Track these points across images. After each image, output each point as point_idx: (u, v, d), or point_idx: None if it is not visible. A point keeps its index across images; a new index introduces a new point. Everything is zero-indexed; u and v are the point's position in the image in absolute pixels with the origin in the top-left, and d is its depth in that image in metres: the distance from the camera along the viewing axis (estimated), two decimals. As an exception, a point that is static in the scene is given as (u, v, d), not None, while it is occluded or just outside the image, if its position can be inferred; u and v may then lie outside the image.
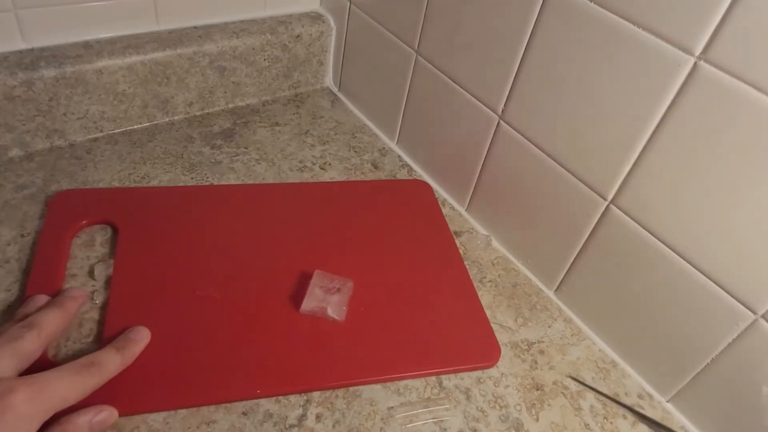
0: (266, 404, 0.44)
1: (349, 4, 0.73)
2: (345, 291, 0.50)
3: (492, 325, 0.53)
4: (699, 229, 0.43)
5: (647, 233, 0.47)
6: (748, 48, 0.37)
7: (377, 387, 0.47)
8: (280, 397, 0.45)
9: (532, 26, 0.50)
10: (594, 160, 0.49)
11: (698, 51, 0.39)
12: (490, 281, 0.58)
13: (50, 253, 0.50)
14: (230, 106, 0.74)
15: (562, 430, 0.46)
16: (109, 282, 0.49)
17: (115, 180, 0.60)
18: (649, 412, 0.49)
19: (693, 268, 0.45)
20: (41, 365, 0.42)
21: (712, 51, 0.39)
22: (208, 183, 0.62)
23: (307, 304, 0.49)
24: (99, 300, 0.48)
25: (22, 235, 0.52)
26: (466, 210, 0.66)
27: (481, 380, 0.49)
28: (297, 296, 0.51)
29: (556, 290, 0.58)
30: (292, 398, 0.45)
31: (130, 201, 0.56)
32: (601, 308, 0.54)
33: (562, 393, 0.49)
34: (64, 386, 0.37)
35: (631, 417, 0.49)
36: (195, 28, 0.69)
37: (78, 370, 0.38)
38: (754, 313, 0.42)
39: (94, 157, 0.62)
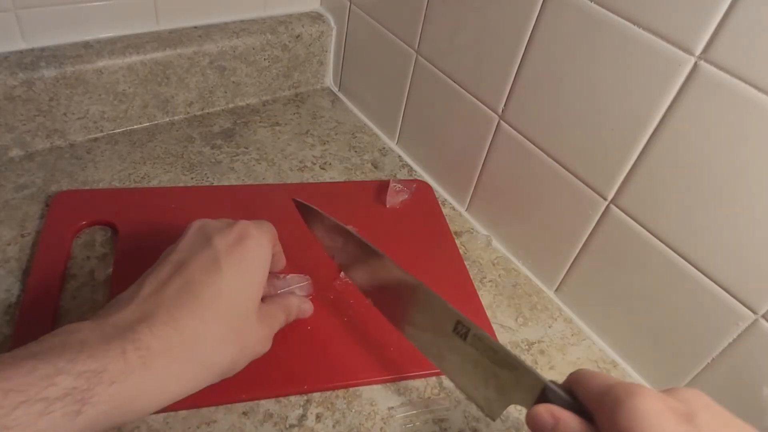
0: (266, 404, 0.44)
1: (349, 4, 0.73)
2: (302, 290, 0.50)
3: (492, 325, 0.53)
4: (699, 229, 0.43)
5: (647, 233, 0.47)
6: (748, 48, 0.37)
7: (377, 387, 0.47)
8: (281, 397, 0.45)
9: (532, 26, 0.50)
10: (594, 160, 0.49)
11: (698, 51, 0.39)
12: (490, 281, 0.58)
13: (50, 253, 0.50)
14: (230, 106, 0.74)
15: (562, 430, 0.46)
16: (109, 282, 0.49)
17: (115, 180, 0.60)
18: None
19: (693, 268, 0.45)
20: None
21: (712, 51, 0.39)
22: (208, 183, 0.62)
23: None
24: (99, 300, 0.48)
25: (23, 235, 0.52)
26: (466, 210, 0.66)
27: (481, 380, 0.49)
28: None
29: (556, 290, 0.58)
30: (293, 398, 0.45)
31: (130, 201, 0.56)
32: (601, 308, 0.54)
33: (563, 393, 0.49)
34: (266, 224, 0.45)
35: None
36: (195, 27, 0.69)
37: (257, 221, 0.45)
38: (754, 313, 0.42)
39: (95, 157, 0.62)
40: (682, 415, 0.27)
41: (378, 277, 0.44)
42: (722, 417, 0.28)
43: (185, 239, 0.42)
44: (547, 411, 0.31)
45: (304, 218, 0.50)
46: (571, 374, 0.33)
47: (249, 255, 0.40)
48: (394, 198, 0.63)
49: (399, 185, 0.63)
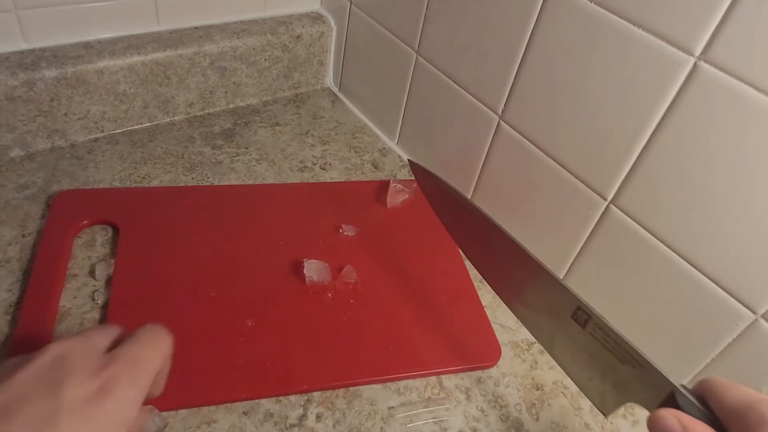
0: (267, 404, 0.44)
1: (349, 4, 0.73)
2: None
3: (492, 325, 0.53)
4: (699, 229, 0.43)
5: (647, 233, 0.47)
6: (748, 48, 0.37)
7: (377, 387, 0.47)
8: (281, 397, 0.45)
9: (532, 26, 0.50)
10: (594, 160, 0.49)
11: (698, 51, 0.39)
12: (490, 281, 0.58)
13: (51, 253, 0.50)
14: (231, 106, 0.74)
15: (562, 430, 0.46)
16: (109, 282, 0.49)
17: (115, 180, 0.60)
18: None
19: (693, 268, 0.45)
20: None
21: (712, 51, 0.39)
22: (208, 183, 0.62)
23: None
24: (100, 300, 0.48)
25: (24, 235, 0.52)
26: (466, 210, 0.66)
27: (482, 380, 0.49)
28: (297, 296, 0.51)
29: (556, 290, 0.58)
30: (293, 398, 0.45)
31: (130, 201, 0.57)
32: (601, 308, 0.54)
33: (562, 393, 0.49)
34: (152, 355, 0.33)
35: (630, 417, 0.49)
36: (195, 28, 0.69)
37: (150, 336, 0.34)
38: (754, 313, 0.42)
39: (95, 157, 0.62)
40: None
41: (493, 251, 0.40)
42: None
43: (28, 371, 0.29)
44: (674, 417, 0.29)
45: (420, 183, 0.46)
46: (703, 381, 0.30)
47: (104, 419, 0.29)
48: (395, 198, 0.63)
49: (399, 185, 0.63)
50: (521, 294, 0.39)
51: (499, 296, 0.40)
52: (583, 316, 0.35)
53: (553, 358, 0.37)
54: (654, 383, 0.31)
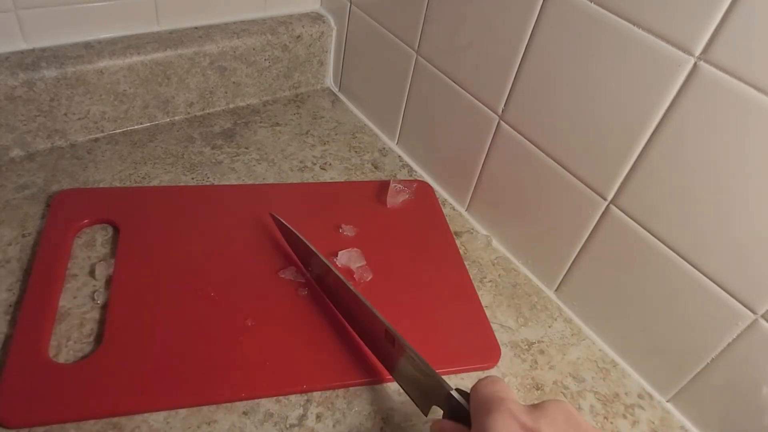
0: (267, 404, 0.44)
1: (349, 4, 0.73)
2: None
3: (492, 325, 0.53)
4: (699, 229, 0.43)
5: (647, 233, 0.47)
6: (748, 48, 0.37)
7: (377, 387, 0.47)
8: (281, 397, 0.45)
9: (532, 26, 0.50)
10: (594, 160, 0.49)
11: (698, 51, 0.39)
12: (490, 281, 0.58)
13: (51, 253, 0.50)
14: (231, 106, 0.74)
15: (562, 430, 0.46)
16: (110, 282, 0.49)
17: (116, 180, 0.60)
18: (649, 412, 0.49)
19: (693, 268, 0.45)
20: (42, 364, 0.42)
21: (712, 51, 0.39)
22: (208, 183, 0.62)
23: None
24: (100, 300, 0.48)
25: (24, 235, 0.52)
26: (466, 210, 0.66)
27: (482, 380, 0.49)
28: (298, 295, 0.51)
29: (556, 290, 0.58)
30: (293, 398, 0.45)
31: (130, 201, 0.57)
32: (601, 308, 0.54)
33: (562, 393, 0.49)
34: None
35: (630, 417, 0.49)
36: (195, 28, 0.69)
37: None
38: (754, 313, 0.42)
39: (95, 157, 0.62)
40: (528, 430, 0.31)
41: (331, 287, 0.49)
42: (571, 428, 0.31)
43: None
44: (436, 424, 0.37)
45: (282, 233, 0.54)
46: (478, 380, 0.36)
47: None
48: (395, 198, 0.63)
49: (399, 185, 0.63)
50: (355, 325, 0.48)
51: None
52: (389, 337, 0.43)
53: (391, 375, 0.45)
54: (439, 390, 0.38)
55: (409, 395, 0.44)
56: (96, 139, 0.64)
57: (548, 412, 0.32)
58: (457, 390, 0.37)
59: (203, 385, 0.43)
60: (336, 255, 0.55)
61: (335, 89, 0.82)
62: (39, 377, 0.41)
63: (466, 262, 0.59)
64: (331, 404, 0.45)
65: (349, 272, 0.54)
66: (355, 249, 0.55)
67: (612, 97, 0.46)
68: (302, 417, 0.44)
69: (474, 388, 0.35)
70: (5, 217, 0.54)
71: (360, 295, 0.45)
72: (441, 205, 0.65)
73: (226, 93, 0.73)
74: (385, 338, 0.43)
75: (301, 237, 0.51)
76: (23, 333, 0.44)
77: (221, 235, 0.55)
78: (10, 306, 0.46)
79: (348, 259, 0.54)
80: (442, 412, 0.39)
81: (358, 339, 0.49)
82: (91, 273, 0.50)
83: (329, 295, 0.51)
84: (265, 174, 0.65)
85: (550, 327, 0.55)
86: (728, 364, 0.45)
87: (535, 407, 0.33)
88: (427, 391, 0.40)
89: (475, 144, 0.61)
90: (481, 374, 0.49)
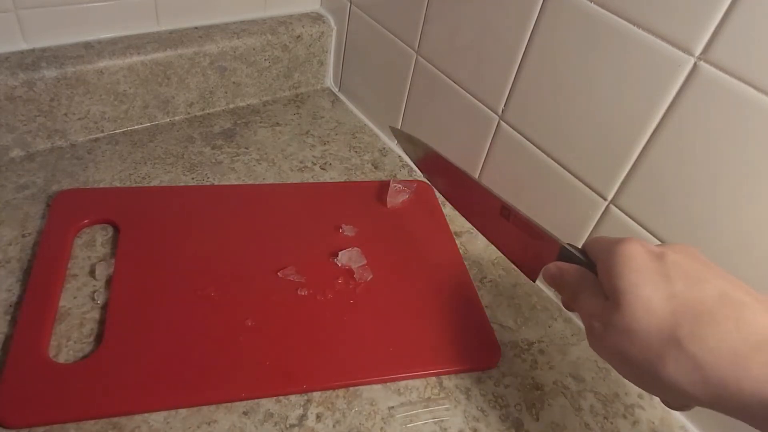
0: (267, 404, 0.44)
1: (349, 4, 0.73)
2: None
3: (492, 325, 0.53)
4: (698, 229, 0.43)
5: (647, 233, 0.47)
6: (748, 48, 0.37)
7: (377, 387, 0.47)
8: (281, 397, 0.45)
9: (532, 26, 0.50)
10: (594, 160, 0.49)
11: (698, 51, 0.39)
12: (490, 281, 0.58)
13: (51, 253, 0.50)
14: (231, 106, 0.74)
15: (562, 430, 0.47)
16: (110, 282, 0.49)
17: (116, 180, 0.60)
18: (649, 412, 0.49)
19: (693, 268, 0.45)
20: (42, 364, 0.43)
21: (712, 51, 0.39)
22: (208, 183, 0.62)
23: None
24: (100, 300, 0.48)
25: (24, 235, 0.52)
26: (466, 210, 0.66)
27: (481, 380, 0.49)
28: (298, 295, 0.51)
29: (556, 290, 0.58)
30: (293, 398, 0.45)
31: (131, 201, 0.57)
32: (601, 308, 0.54)
33: (562, 393, 0.49)
34: None
35: (630, 417, 0.49)
36: (195, 28, 0.69)
37: None
38: (754, 313, 0.42)
39: (95, 157, 0.62)
40: (655, 255, 0.32)
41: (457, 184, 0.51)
42: (692, 258, 0.32)
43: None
44: (554, 265, 0.39)
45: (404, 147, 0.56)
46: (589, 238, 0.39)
47: None
48: (395, 198, 0.63)
49: (399, 185, 0.63)
50: (471, 206, 0.50)
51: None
52: (506, 212, 0.45)
53: (495, 245, 0.48)
54: (551, 247, 0.40)
55: (516, 265, 0.45)
56: (96, 139, 0.64)
57: (676, 247, 0.33)
58: (569, 244, 0.39)
59: (203, 385, 0.43)
60: (336, 255, 0.55)
61: (335, 89, 0.82)
62: (39, 377, 0.41)
63: (466, 262, 0.59)
64: (331, 404, 0.45)
65: (349, 272, 0.54)
66: (356, 248, 0.55)
67: (612, 97, 0.46)
68: (302, 417, 0.44)
69: (593, 238, 0.38)
70: (5, 217, 0.54)
71: (473, 176, 0.49)
72: (441, 205, 0.65)
73: (226, 93, 0.73)
74: (500, 215, 0.45)
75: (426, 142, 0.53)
76: (23, 333, 0.44)
77: (221, 235, 0.55)
78: (10, 306, 0.46)
79: (348, 258, 0.54)
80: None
81: (357, 339, 0.49)
82: (91, 273, 0.50)
83: (446, 191, 0.53)
84: (265, 174, 0.65)
85: (549, 327, 0.55)
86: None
87: (662, 245, 0.34)
88: (538, 252, 0.41)
89: (475, 144, 0.61)
90: (481, 374, 0.49)
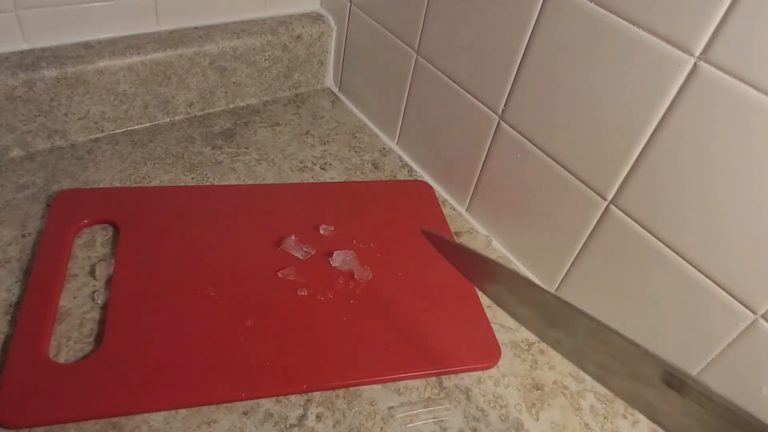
0: (267, 404, 0.44)
1: (349, 4, 0.73)
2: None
3: (492, 325, 0.53)
4: (699, 229, 0.43)
5: (647, 233, 0.47)
6: (748, 48, 0.37)
7: (377, 387, 0.47)
8: (281, 397, 0.45)
9: (532, 26, 0.50)
10: (594, 160, 0.49)
11: (698, 51, 0.39)
12: (490, 281, 0.58)
13: (51, 253, 0.50)
14: (231, 106, 0.74)
15: (562, 430, 0.46)
16: (110, 281, 0.49)
17: (116, 180, 0.60)
18: (649, 412, 0.49)
19: (693, 268, 0.45)
20: (42, 364, 0.43)
21: (712, 51, 0.39)
22: (208, 183, 0.62)
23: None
24: (100, 300, 0.48)
25: (23, 235, 0.52)
26: (466, 210, 0.66)
27: (482, 380, 0.49)
28: (298, 295, 0.51)
29: (556, 290, 0.58)
30: (293, 398, 0.45)
31: (131, 201, 0.57)
32: (601, 308, 0.54)
33: (562, 393, 0.49)
34: None
35: (630, 417, 0.49)
36: (195, 28, 0.69)
37: None
38: (754, 313, 0.42)
39: (95, 157, 0.62)
40: None
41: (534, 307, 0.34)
42: None
43: None
44: None
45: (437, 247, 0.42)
46: None
47: None
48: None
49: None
50: (587, 358, 0.34)
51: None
52: (675, 381, 0.30)
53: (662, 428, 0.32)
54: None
55: None
56: (96, 139, 0.64)
57: None
58: None
59: (203, 385, 0.43)
60: (331, 255, 0.54)
61: (335, 89, 0.82)
62: (39, 377, 0.41)
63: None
64: (331, 404, 0.45)
65: (349, 272, 0.54)
66: (350, 251, 0.55)
67: (612, 96, 0.46)
68: (302, 417, 0.44)
69: None
70: (5, 217, 0.54)
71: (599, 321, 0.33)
72: (441, 205, 0.65)
73: (226, 93, 0.73)
74: (662, 382, 0.30)
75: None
76: (23, 333, 0.44)
77: (221, 235, 0.55)
78: (10, 306, 0.46)
79: (342, 260, 0.54)
80: None
81: (357, 339, 0.49)
82: (91, 273, 0.50)
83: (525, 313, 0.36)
84: (265, 174, 0.65)
85: (550, 327, 0.55)
86: (728, 364, 0.45)
87: None
88: None
89: (475, 144, 0.61)
90: (481, 374, 0.49)
